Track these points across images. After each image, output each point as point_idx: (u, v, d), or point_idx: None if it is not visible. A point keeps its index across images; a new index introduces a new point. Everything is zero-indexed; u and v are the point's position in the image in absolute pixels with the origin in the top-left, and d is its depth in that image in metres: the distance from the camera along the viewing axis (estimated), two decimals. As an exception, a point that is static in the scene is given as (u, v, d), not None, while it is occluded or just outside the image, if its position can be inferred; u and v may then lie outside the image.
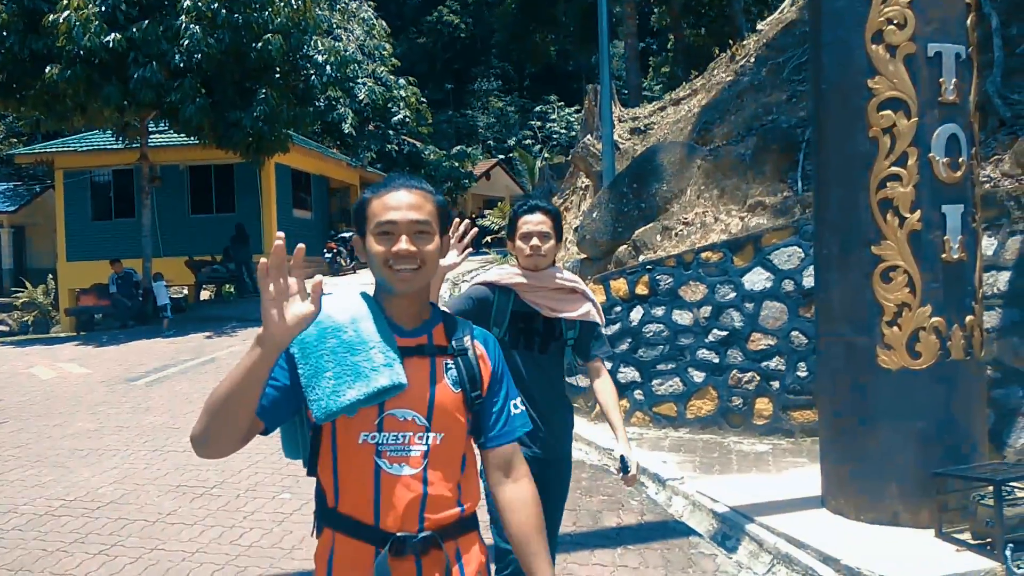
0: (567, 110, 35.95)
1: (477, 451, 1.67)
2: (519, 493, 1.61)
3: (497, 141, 38.28)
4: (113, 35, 12.25)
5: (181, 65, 12.85)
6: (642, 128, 12.22)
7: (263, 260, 1.28)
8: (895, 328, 3.81)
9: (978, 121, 4.13)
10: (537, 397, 2.60)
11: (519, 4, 26.31)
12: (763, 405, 5.97)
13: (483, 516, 1.82)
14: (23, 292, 20.64)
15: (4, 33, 12.68)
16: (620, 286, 6.75)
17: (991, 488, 3.40)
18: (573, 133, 30.90)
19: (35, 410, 8.21)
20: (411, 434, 1.51)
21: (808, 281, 5.72)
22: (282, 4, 13.66)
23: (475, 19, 38.98)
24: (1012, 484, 3.48)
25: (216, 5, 12.81)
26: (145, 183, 15.48)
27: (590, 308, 2.72)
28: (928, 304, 3.79)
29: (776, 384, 5.93)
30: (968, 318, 3.86)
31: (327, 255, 18.69)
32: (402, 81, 25.08)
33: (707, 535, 4.26)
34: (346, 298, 1.60)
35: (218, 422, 1.35)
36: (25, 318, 19.96)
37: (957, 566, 3.35)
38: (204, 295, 18.95)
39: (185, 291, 18.65)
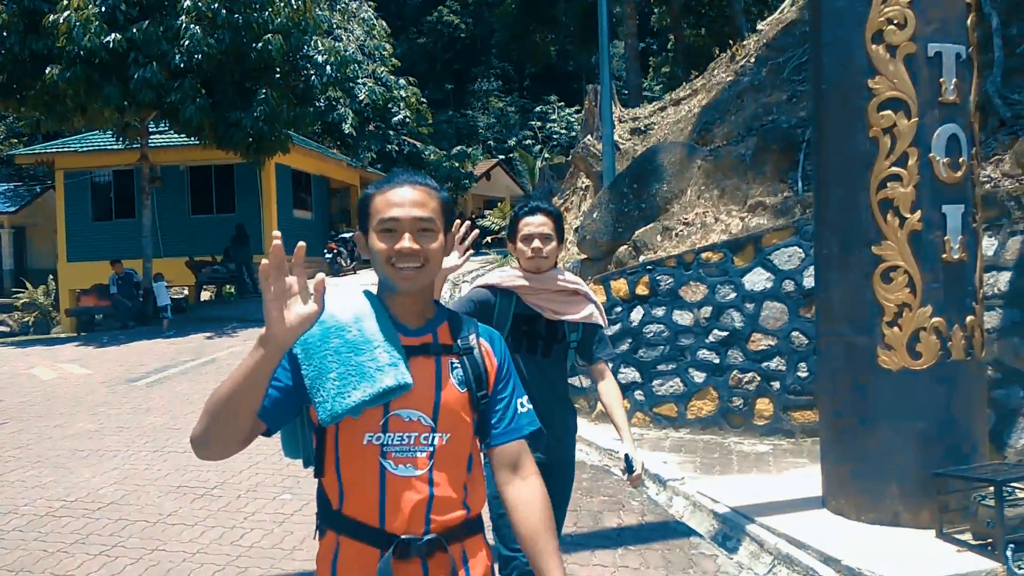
0: (567, 110, 35.93)
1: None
2: (528, 491, 1.58)
3: (497, 141, 38.28)
4: (113, 35, 12.25)
5: (181, 65, 12.86)
6: (642, 128, 12.21)
7: (264, 261, 1.26)
8: (895, 328, 3.81)
9: (978, 121, 4.13)
10: (539, 401, 2.59)
11: (519, 4, 26.31)
12: (763, 405, 5.96)
13: (485, 521, 1.81)
14: (24, 293, 20.65)
15: (4, 33, 12.69)
16: (620, 286, 6.75)
17: (992, 488, 3.40)
18: (573, 133, 30.89)
19: (36, 411, 8.21)
20: (417, 435, 1.49)
21: (808, 281, 5.72)
22: (282, 4, 13.66)
23: (475, 19, 38.97)
24: (1013, 484, 3.47)
25: (216, 5, 12.82)
26: (145, 183, 15.49)
27: (593, 310, 2.70)
28: (928, 304, 3.79)
29: (777, 384, 5.93)
30: (969, 318, 3.85)
31: (327, 255, 18.69)
32: (402, 81, 25.08)
33: (708, 536, 4.26)
34: (349, 296, 1.57)
35: (219, 423, 1.33)
36: (26, 319, 19.98)
37: (958, 566, 3.34)
38: (204, 295, 18.95)
39: (185, 291, 18.65)
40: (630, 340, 6.56)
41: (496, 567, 2.33)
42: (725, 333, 6.17)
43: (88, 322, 16.16)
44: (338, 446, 1.48)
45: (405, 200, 1.51)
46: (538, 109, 37.34)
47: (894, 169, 3.81)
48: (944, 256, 3.80)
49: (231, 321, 14.00)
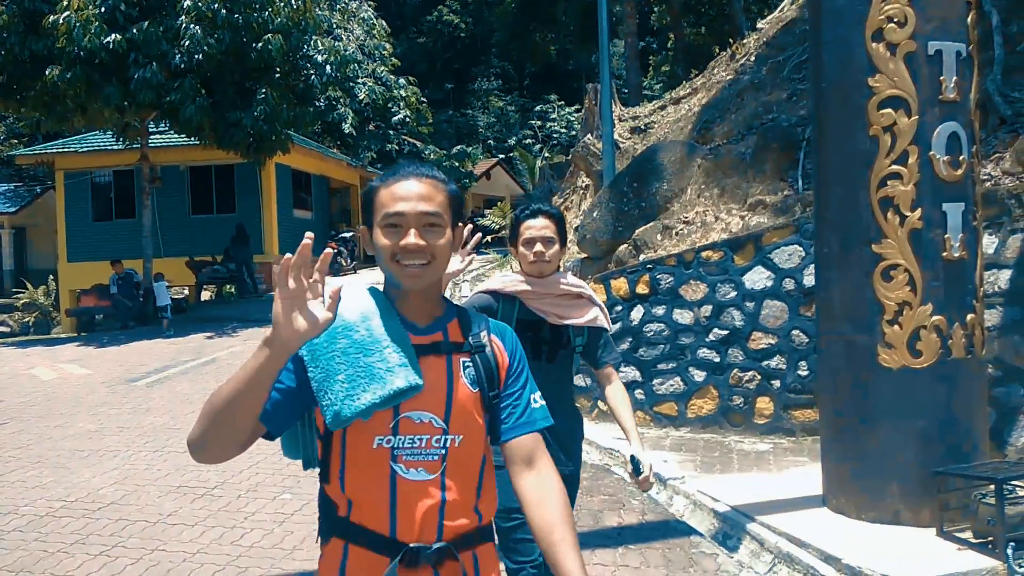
0: (567, 109, 35.92)
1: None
2: (542, 483, 1.49)
3: (497, 141, 38.25)
4: (113, 36, 12.26)
5: (181, 65, 12.86)
6: (642, 127, 12.21)
7: (287, 256, 1.22)
8: (896, 327, 3.81)
9: (979, 119, 4.13)
10: None
11: (519, 3, 26.32)
12: (764, 404, 5.96)
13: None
14: (24, 293, 20.67)
15: (4, 34, 12.70)
16: (621, 285, 6.74)
17: (992, 487, 3.40)
18: (573, 132, 30.88)
19: (36, 411, 8.21)
20: (428, 437, 1.42)
21: (809, 280, 5.71)
22: (282, 4, 13.67)
23: (475, 18, 38.97)
24: (1013, 483, 3.47)
25: (216, 5, 12.82)
26: (145, 184, 15.50)
27: (597, 313, 2.65)
28: (929, 303, 3.78)
29: (777, 383, 5.92)
30: (969, 316, 3.85)
31: (327, 255, 18.67)
32: (402, 81, 25.08)
33: (708, 534, 4.26)
34: (355, 294, 1.50)
35: (218, 426, 1.28)
36: (26, 319, 20.00)
37: (958, 565, 3.34)
38: (205, 295, 18.96)
39: (186, 291, 18.66)
40: (630, 339, 6.56)
41: None
42: (725, 332, 6.17)
43: (88, 322, 16.17)
44: (346, 450, 1.42)
45: (411, 194, 1.45)
46: (538, 108, 37.33)
47: (894, 167, 3.80)
48: (944, 254, 3.79)
49: (231, 321, 14.01)
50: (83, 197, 18.79)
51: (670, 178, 8.26)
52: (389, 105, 24.28)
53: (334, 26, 22.70)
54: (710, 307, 6.26)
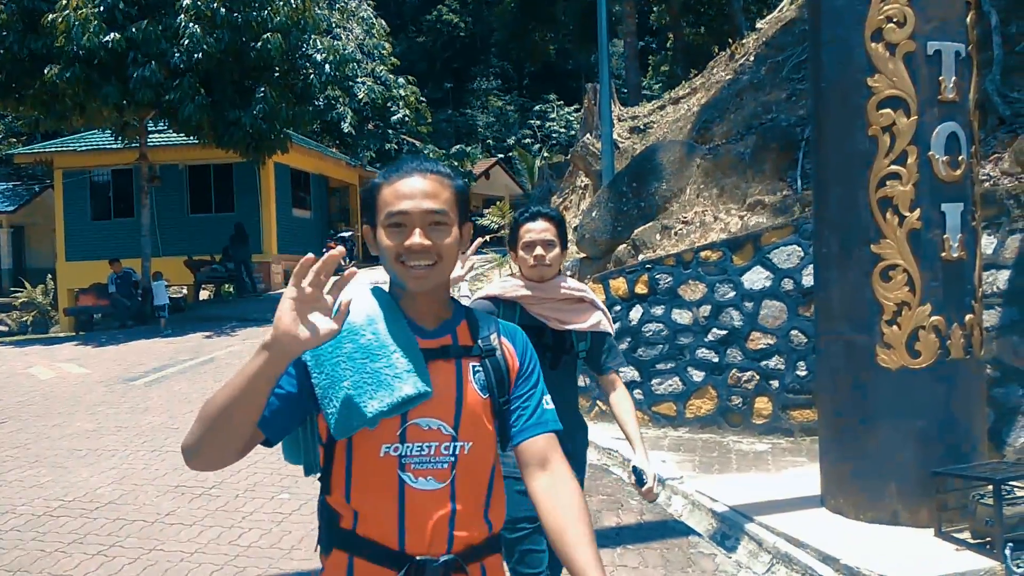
0: (566, 109, 35.92)
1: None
2: (555, 485, 1.42)
3: (496, 140, 38.23)
4: (112, 35, 12.26)
5: (180, 64, 12.86)
6: (641, 127, 12.21)
7: (309, 255, 1.17)
8: (895, 327, 3.81)
9: (977, 119, 4.12)
10: None
11: (518, 3, 26.31)
12: (762, 404, 5.96)
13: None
14: (22, 292, 20.65)
15: (3, 33, 12.71)
16: (619, 285, 6.74)
17: (991, 487, 3.40)
18: (572, 132, 30.87)
19: (34, 410, 8.20)
20: (437, 444, 1.36)
21: (807, 280, 5.71)
22: (281, 3, 13.67)
23: (474, 18, 38.95)
24: (1012, 483, 3.47)
25: (215, 4, 12.82)
26: (144, 183, 15.49)
27: (600, 318, 2.59)
28: (928, 303, 3.78)
29: (775, 383, 5.92)
30: (968, 317, 3.85)
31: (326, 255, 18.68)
32: (401, 80, 25.07)
33: (706, 534, 4.25)
34: (360, 295, 1.43)
35: (213, 432, 1.22)
36: (24, 318, 19.99)
37: (956, 565, 3.34)
38: (203, 295, 18.96)
39: (184, 291, 18.66)
40: (629, 339, 6.56)
41: None
42: (724, 332, 6.17)
43: (87, 321, 16.15)
44: (351, 459, 1.36)
45: (415, 191, 1.38)
46: (537, 108, 37.32)
47: (893, 167, 3.80)
48: (943, 255, 3.79)
49: (230, 320, 14.00)
50: (82, 196, 18.78)
51: (669, 178, 8.26)
52: (388, 104, 24.27)
53: (333, 25, 22.70)
54: (709, 307, 6.26)
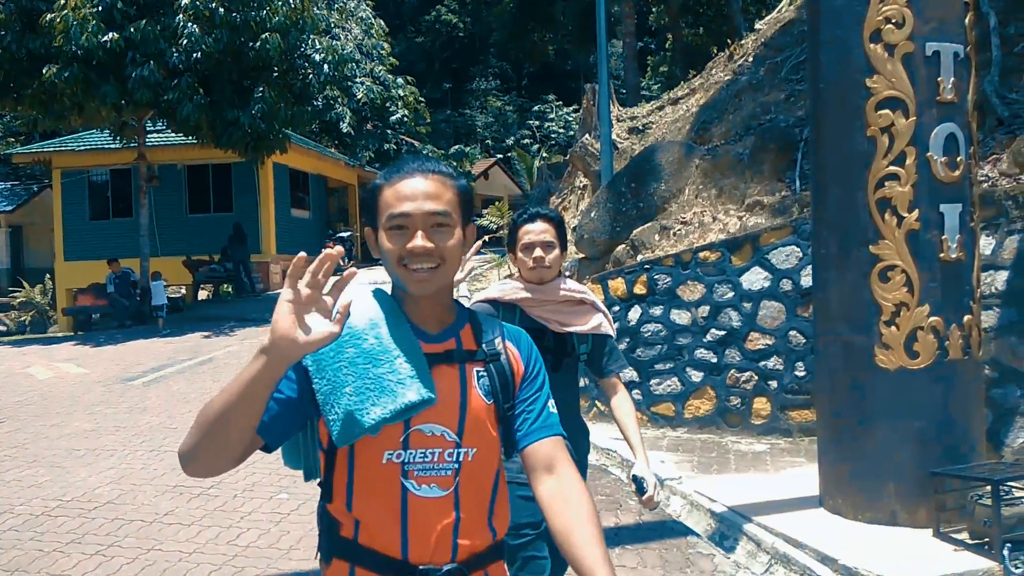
0: (565, 109, 35.93)
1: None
2: (562, 486, 1.39)
3: (495, 140, 38.25)
4: (111, 34, 12.25)
5: (179, 64, 12.85)
6: (640, 128, 12.21)
7: (302, 254, 1.14)
8: (893, 328, 3.81)
9: (976, 120, 4.13)
10: None
11: (517, 3, 26.31)
12: (761, 405, 5.96)
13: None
14: (20, 292, 20.63)
15: (2, 32, 12.70)
16: (618, 286, 6.74)
17: (989, 488, 3.40)
18: (571, 132, 30.86)
19: (32, 410, 8.19)
20: (440, 451, 1.34)
21: (806, 281, 5.71)
22: (280, 3, 13.67)
23: (473, 18, 38.96)
24: (1010, 484, 3.47)
25: (214, 4, 12.81)
26: (143, 182, 15.48)
27: (601, 320, 2.57)
28: (926, 304, 3.78)
29: (774, 384, 5.93)
30: (966, 318, 3.85)
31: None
32: (400, 80, 25.07)
33: (705, 535, 4.26)
34: (361, 298, 1.40)
35: (211, 438, 1.19)
36: (22, 318, 19.96)
37: (955, 566, 3.34)
38: (202, 295, 18.95)
39: (183, 291, 18.64)
40: (628, 339, 6.56)
41: None
42: (723, 332, 6.17)
43: (85, 321, 16.13)
44: (353, 466, 1.33)
45: (417, 192, 1.34)
46: (536, 108, 37.35)
47: (892, 168, 3.80)
48: (942, 255, 3.80)
49: (228, 320, 14.00)
50: (80, 196, 18.76)
51: (668, 178, 8.27)
52: (387, 104, 24.27)
53: (332, 25, 22.70)
54: (707, 307, 6.26)
